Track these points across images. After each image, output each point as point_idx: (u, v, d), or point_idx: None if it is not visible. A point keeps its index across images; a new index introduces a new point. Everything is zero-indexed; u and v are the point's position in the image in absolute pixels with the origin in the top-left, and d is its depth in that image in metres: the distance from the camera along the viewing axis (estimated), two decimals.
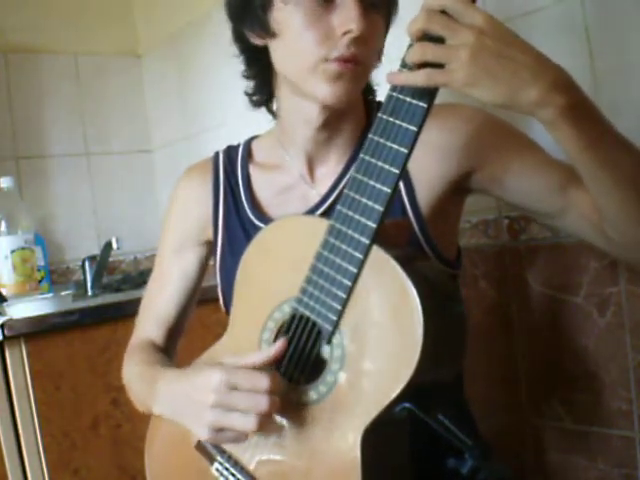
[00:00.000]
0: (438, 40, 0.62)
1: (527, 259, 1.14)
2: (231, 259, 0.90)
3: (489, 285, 1.20)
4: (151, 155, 2.21)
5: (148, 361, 0.92)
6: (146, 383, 0.88)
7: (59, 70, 2.04)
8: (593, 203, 0.73)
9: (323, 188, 0.88)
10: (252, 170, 0.95)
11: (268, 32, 0.81)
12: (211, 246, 0.98)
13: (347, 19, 0.74)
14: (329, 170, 0.88)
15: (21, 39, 1.97)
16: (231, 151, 0.98)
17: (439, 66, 0.62)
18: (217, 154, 0.99)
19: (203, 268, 1.01)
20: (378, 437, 0.67)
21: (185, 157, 2.06)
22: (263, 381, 0.68)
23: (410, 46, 0.64)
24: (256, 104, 0.92)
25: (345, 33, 0.75)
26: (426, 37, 0.63)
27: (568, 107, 0.61)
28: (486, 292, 1.21)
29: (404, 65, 0.65)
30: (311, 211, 0.87)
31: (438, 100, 0.66)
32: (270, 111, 0.93)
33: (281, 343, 0.72)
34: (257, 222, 0.89)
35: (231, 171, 0.95)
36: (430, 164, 0.83)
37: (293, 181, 0.90)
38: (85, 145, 2.08)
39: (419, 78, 0.62)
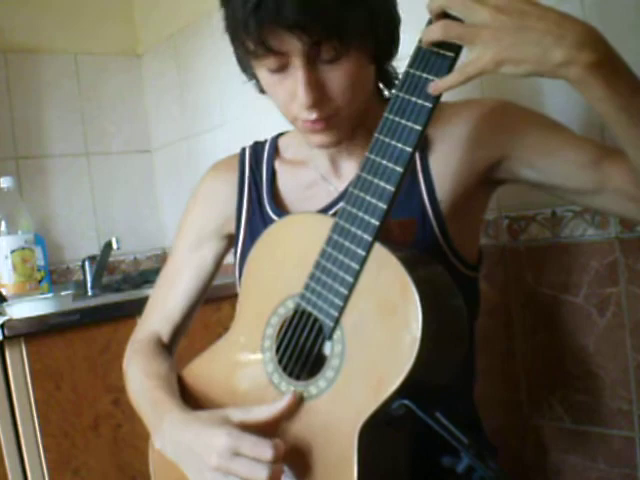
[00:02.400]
0: (456, 20, 0.63)
1: (527, 259, 1.15)
2: None
3: (489, 285, 1.20)
4: (151, 155, 2.21)
5: (155, 374, 0.90)
6: (149, 406, 0.86)
7: (59, 70, 2.04)
8: (631, 172, 0.71)
9: (345, 183, 0.88)
10: (278, 166, 0.95)
11: (259, 87, 0.84)
12: (231, 240, 0.98)
13: (298, 93, 0.75)
14: (352, 165, 0.88)
15: (21, 39, 1.97)
16: (257, 147, 0.98)
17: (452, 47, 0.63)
18: (244, 150, 0.99)
19: (218, 264, 1.01)
20: (375, 433, 0.68)
21: (185, 157, 2.06)
22: (267, 452, 0.67)
23: (429, 23, 0.64)
24: None
25: (298, 105, 0.76)
26: (445, 16, 0.63)
27: (597, 64, 0.60)
28: (486, 292, 1.21)
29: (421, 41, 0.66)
30: (330, 206, 0.87)
31: (454, 97, 0.67)
32: None
33: (290, 398, 0.71)
34: (275, 218, 0.89)
35: (256, 167, 0.96)
36: (455, 159, 0.83)
37: (318, 177, 0.91)
38: (85, 145, 2.08)
39: (456, 78, 0.63)
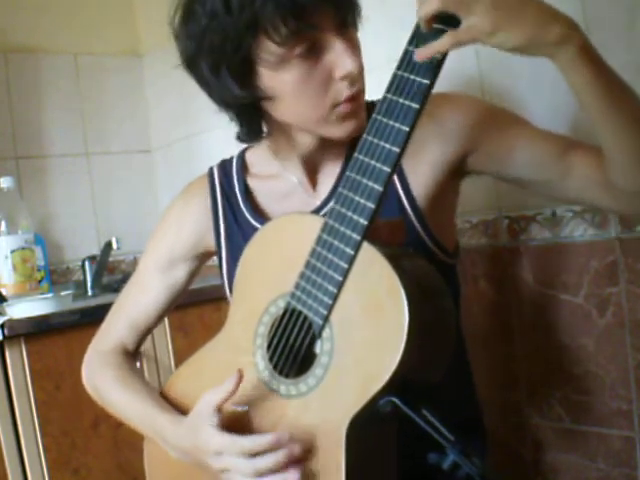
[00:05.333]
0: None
1: (527, 259, 1.15)
2: (235, 268, 0.90)
3: (489, 285, 1.20)
4: (151, 155, 2.21)
5: (132, 388, 0.92)
6: (146, 419, 0.88)
7: (59, 70, 2.04)
8: (597, 159, 0.73)
9: (323, 192, 0.88)
10: (250, 181, 0.95)
11: (261, 97, 0.79)
12: (205, 257, 1.00)
13: (342, 63, 0.74)
14: (327, 173, 0.89)
15: (21, 39, 1.97)
16: (226, 165, 0.99)
17: (451, 24, 0.63)
18: (212, 169, 0.99)
19: (192, 279, 1.02)
20: (363, 430, 0.69)
21: (185, 157, 2.06)
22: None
23: (416, 28, 0.65)
24: (246, 142, 0.90)
25: (344, 76, 0.75)
26: (434, 20, 0.64)
27: (585, 47, 0.62)
28: (486, 292, 1.21)
29: (418, 26, 0.66)
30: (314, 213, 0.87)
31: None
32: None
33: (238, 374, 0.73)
34: (259, 226, 0.89)
35: (227, 184, 0.96)
36: (424, 155, 0.84)
37: (292, 188, 0.91)
38: (85, 145, 2.08)
39: (445, 42, 0.63)
